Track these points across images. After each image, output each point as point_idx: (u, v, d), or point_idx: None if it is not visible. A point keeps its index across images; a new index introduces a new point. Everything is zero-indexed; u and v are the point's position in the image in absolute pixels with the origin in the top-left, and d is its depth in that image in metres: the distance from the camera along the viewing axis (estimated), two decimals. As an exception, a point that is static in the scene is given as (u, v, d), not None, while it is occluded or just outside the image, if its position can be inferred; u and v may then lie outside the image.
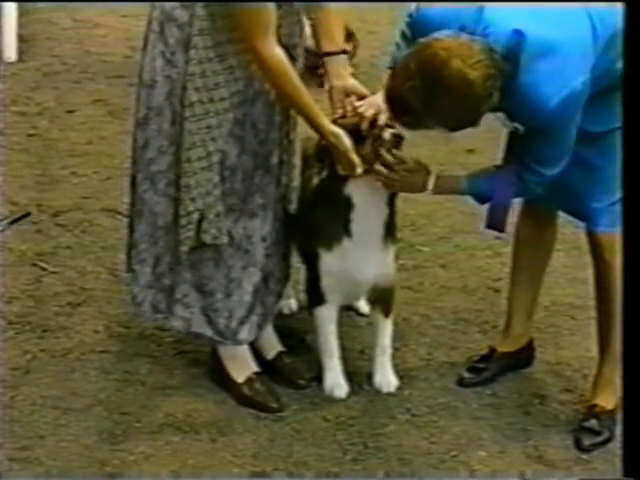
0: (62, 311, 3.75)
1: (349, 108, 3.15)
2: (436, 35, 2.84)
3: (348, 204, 3.15)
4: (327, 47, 3.18)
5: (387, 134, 3.06)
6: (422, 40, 2.85)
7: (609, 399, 3.24)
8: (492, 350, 3.50)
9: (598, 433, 3.19)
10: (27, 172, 4.89)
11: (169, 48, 3.02)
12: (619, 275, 3.00)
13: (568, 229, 4.04)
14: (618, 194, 2.94)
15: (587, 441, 3.16)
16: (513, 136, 3.09)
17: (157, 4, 3.05)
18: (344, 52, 3.19)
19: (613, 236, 3.09)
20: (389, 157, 3.05)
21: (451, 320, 3.83)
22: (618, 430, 3.03)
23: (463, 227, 4.41)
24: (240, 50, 2.99)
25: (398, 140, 3.08)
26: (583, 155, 3.04)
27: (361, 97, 3.17)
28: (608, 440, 3.17)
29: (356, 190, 3.14)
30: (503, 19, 2.85)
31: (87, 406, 3.23)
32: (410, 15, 3.09)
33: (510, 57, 2.82)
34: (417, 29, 3.01)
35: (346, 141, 3.07)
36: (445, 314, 3.86)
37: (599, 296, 3.26)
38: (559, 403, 3.35)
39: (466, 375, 3.44)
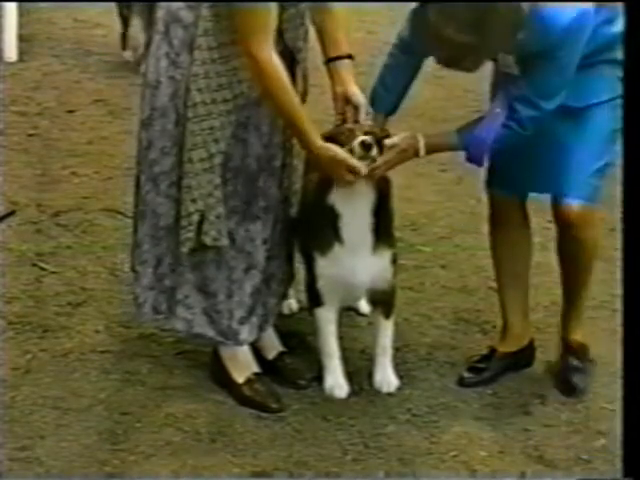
0: (62, 311, 3.75)
1: (349, 115, 3.14)
2: None
3: (334, 213, 3.17)
4: (332, 52, 3.17)
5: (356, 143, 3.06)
6: None
7: (580, 333, 3.46)
8: (493, 350, 3.51)
9: (584, 371, 3.41)
10: (27, 172, 4.89)
11: (174, 49, 3.01)
12: (591, 249, 3.28)
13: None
14: (592, 170, 3.15)
15: (582, 383, 3.37)
16: (505, 78, 3.16)
17: (162, 5, 3.04)
18: (349, 57, 3.17)
19: (585, 212, 3.19)
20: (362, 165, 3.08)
21: (451, 320, 3.83)
22: (618, 430, 3.03)
23: (463, 227, 4.41)
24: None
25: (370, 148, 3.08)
26: (558, 132, 3.11)
27: (356, 106, 3.16)
28: (590, 377, 3.39)
29: (339, 200, 3.16)
30: None
31: (87, 406, 3.23)
32: (402, 38, 3.23)
33: None
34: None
35: (340, 152, 3.05)
36: (445, 314, 3.86)
37: (565, 264, 3.38)
38: (559, 403, 3.35)
39: (466, 375, 3.45)
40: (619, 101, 3.05)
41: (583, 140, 3.15)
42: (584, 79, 3.08)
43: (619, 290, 3.41)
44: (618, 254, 3.91)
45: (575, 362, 3.43)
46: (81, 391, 3.31)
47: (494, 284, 4.04)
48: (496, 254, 3.52)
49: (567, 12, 2.94)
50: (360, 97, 3.16)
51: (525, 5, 2.92)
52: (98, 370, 3.42)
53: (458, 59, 2.98)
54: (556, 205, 3.26)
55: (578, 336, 3.47)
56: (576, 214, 3.20)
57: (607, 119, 3.15)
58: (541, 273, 4.13)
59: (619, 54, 3.07)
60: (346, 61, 3.17)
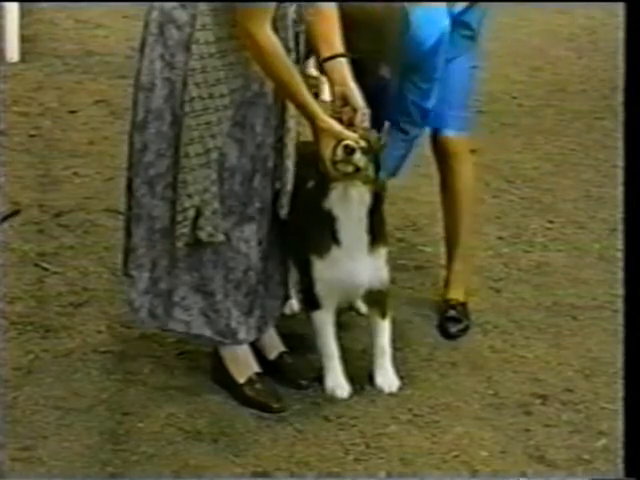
0: (64, 311, 3.75)
1: (345, 118, 3.13)
2: None
3: (331, 217, 3.18)
4: (326, 51, 3.15)
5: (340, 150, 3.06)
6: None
7: (462, 292, 3.79)
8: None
9: (460, 321, 3.70)
10: (29, 172, 4.89)
11: (168, 50, 3.01)
12: (465, 180, 3.75)
13: (569, 229, 4.06)
14: (463, 104, 3.71)
15: (453, 329, 3.67)
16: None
17: (156, 6, 3.05)
18: (343, 55, 3.15)
19: (459, 141, 3.72)
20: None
21: (453, 320, 3.83)
22: (619, 430, 3.04)
23: (464, 227, 4.40)
24: (240, 46, 2.99)
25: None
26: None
27: (354, 107, 3.14)
28: (468, 327, 3.68)
29: (336, 204, 3.16)
30: None
31: (89, 406, 3.24)
32: None
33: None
34: None
35: (337, 125, 3.06)
36: (447, 314, 3.86)
37: (445, 200, 3.82)
38: (560, 403, 3.35)
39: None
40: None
41: (455, 82, 3.63)
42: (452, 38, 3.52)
43: (620, 290, 3.43)
44: (619, 254, 3.94)
45: (454, 314, 3.71)
46: (83, 391, 3.31)
47: (495, 284, 4.06)
48: None
49: (434, 31, 3.40)
50: (359, 98, 3.14)
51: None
52: (100, 370, 3.43)
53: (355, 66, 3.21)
54: (435, 138, 3.73)
55: (459, 296, 3.77)
56: (453, 142, 3.70)
57: (470, 62, 3.71)
58: (541, 273, 4.14)
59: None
60: (342, 59, 3.14)
